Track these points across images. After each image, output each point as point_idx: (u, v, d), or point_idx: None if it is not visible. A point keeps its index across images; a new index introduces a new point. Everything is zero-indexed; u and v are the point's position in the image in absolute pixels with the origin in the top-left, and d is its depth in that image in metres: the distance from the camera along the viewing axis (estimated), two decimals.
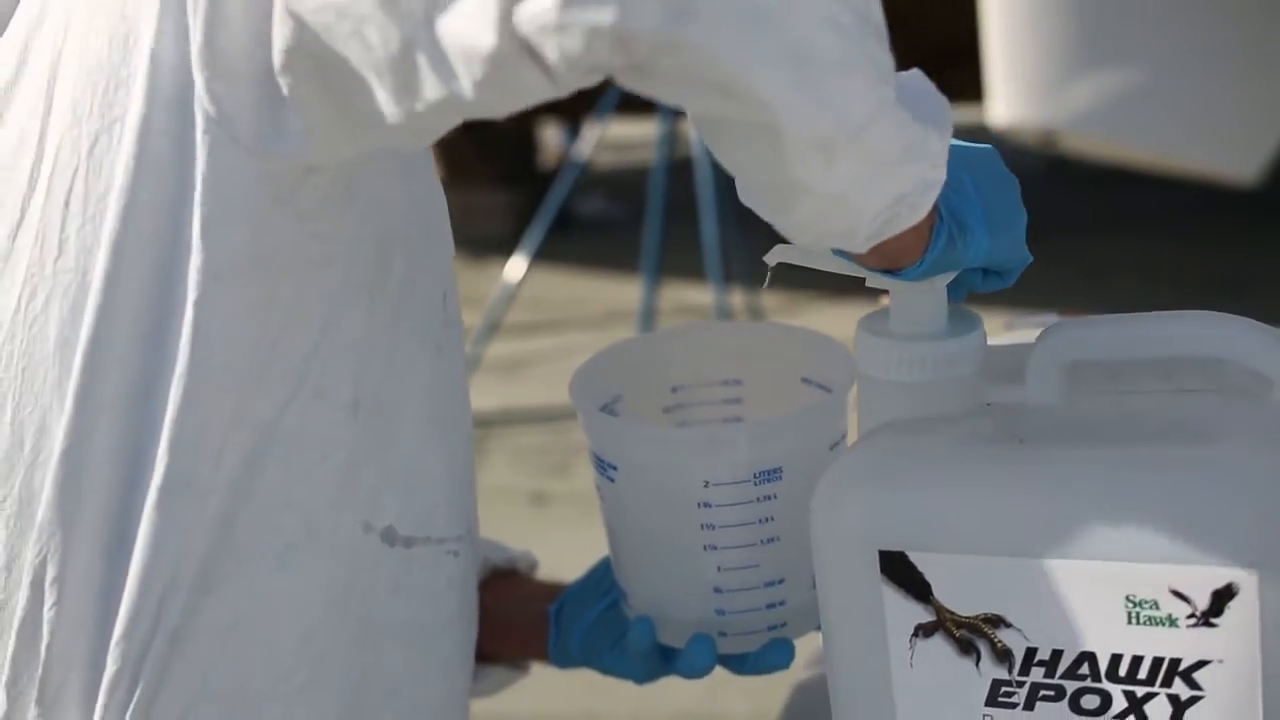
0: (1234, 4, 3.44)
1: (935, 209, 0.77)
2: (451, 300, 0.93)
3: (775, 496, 0.93)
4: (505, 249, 4.21)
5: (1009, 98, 3.60)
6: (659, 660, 0.98)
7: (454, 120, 0.71)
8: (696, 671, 0.96)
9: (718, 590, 0.95)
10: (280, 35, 0.72)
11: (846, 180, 0.71)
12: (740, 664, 0.98)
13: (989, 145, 0.83)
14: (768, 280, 0.86)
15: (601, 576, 1.04)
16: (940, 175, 0.74)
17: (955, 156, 0.78)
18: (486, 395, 3.85)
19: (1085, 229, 5.19)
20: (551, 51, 0.64)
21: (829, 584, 0.82)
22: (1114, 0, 3.54)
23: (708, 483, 0.92)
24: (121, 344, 0.81)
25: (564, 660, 1.06)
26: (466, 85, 0.66)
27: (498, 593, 1.07)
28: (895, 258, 0.79)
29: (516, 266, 3.92)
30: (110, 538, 0.82)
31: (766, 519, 0.93)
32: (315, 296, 0.83)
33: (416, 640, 0.92)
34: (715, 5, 0.63)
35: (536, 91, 0.66)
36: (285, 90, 0.75)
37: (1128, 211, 5.29)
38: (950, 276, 0.82)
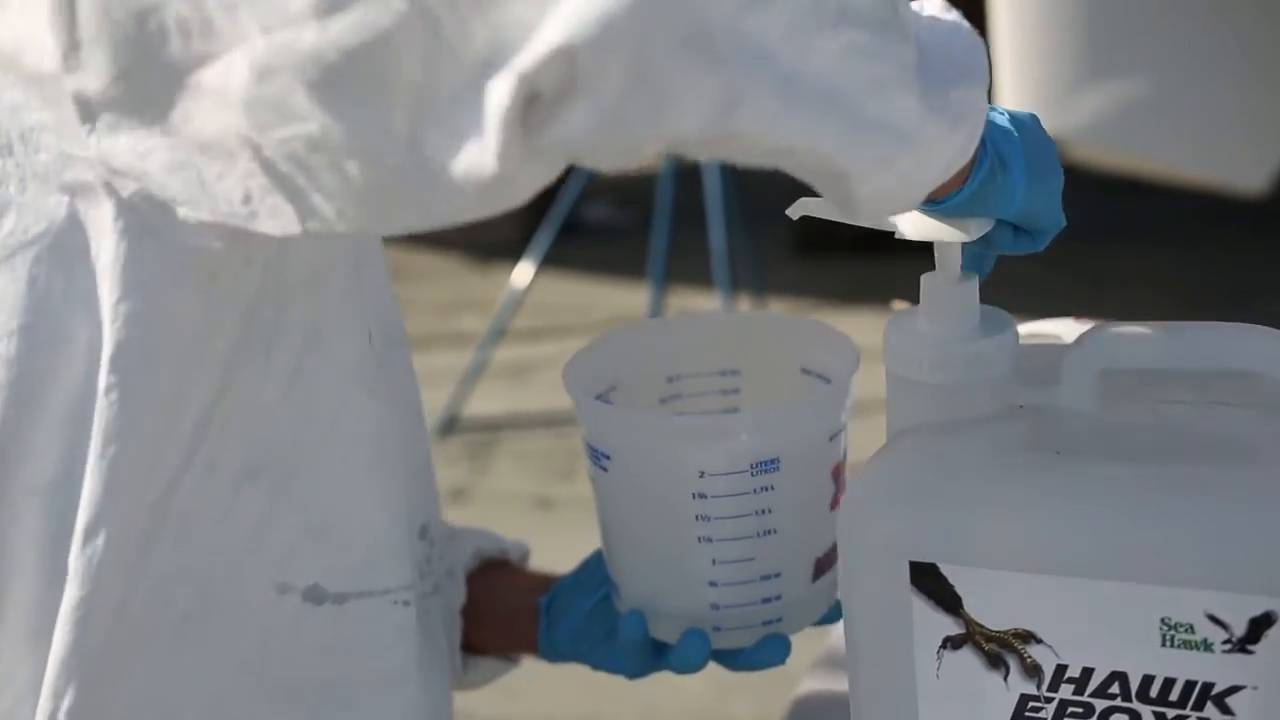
0: (1242, 15, 3.43)
1: (980, 141, 0.77)
2: (380, 337, 0.90)
3: (773, 488, 0.91)
4: (512, 255, 4.21)
5: (1016, 106, 3.60)
6: (650, 655, 0.96)
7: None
8: (689, 667, 0.94)
9: (712, 584, 0.93)
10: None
11: (908, 171, 0.70)
12: (733, 660, 0.96)
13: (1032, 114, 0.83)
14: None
15: (595, 569, 1.03)
16: (984, 107, 0.74)
17: (1002, 112, 0.79)
18: (493, 400, 3.84)
19: (1093, 237, 5.18)
20: (592, 163, 0.62)
21: (857, 591, 0.81)
22: (1121, 10, 3.54)
23: (703, 472, 0.91)
24: (40, 433, 0.79)
25: (553, 654, 1.04)
26: (461, 206, 0.64)
27: (488, 583, 1.05)
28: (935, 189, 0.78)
29: (523, 272, 3.91)
30: (35, 632, 0.81)
31: (763, 511, 0.92)
32: (206, 365, 0.80)
33: (360, 697, 0.90)
34: (752, 87, 0.62)
35: (541, 185, 0.64)
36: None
37: (1136, 220, 5.28)
38: (987, 226, 0.81)
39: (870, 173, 0.68)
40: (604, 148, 0.62)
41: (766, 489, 0.91)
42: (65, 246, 0.78)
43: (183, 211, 0.73)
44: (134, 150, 0.72)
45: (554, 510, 3.29)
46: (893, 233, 0.82)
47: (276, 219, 0.70)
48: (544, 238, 3.88)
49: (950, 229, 0.81)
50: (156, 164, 0.72)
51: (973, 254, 0.86)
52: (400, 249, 5.21)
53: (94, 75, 0.71)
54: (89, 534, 0.79)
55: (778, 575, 0.94)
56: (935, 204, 0.80)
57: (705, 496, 0.91)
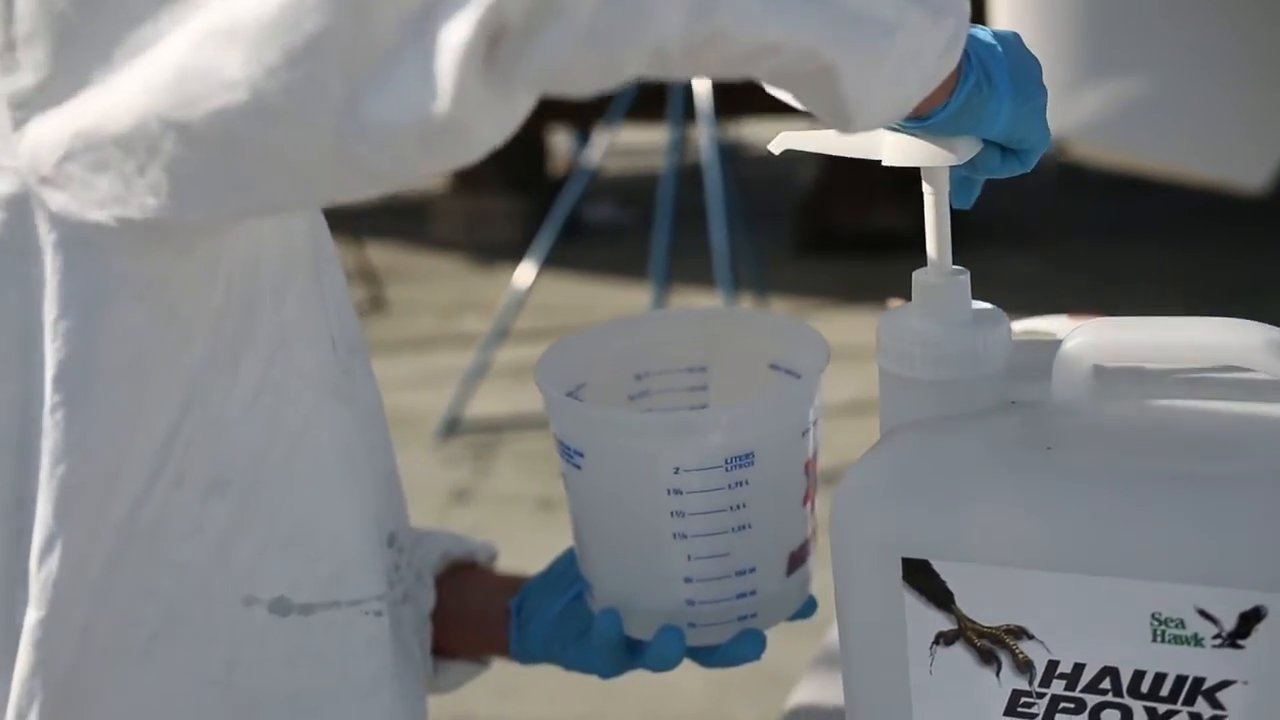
0: (1242, 13, 3.44)
1: (964, 54, 0.76)
2: (343, 343, 0.88)
3: (747, 483, 0.91)
4: (514, 255, 4.22)
5: None
6: (625, 653, 0.95)
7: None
8: (665, 664, 0.93)
9: (687, 580, 0.93)
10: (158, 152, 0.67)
11: (896, 70, 0.70)
12: (709, 656, 0.95)
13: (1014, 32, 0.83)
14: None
15: (565, 569, 1.02)
16: (966, 6, 0.73)
17: (986, 29, 0.78)
18: (495, 401, 3.85)
19: (1096, 235, 5.19)
20: (569, 90, 0.60)
21: (849, 588, 0.81)
22: (1121, 10, 3.54)
23: (679, 468, 0.90)
24: None
25: (525, 656, 1.03)
26: (408, 165, 0.62)
27: (457, 585, 1.04)
28: (922, 103, 0.77)
29: (526, 273, 3.92)
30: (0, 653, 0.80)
31: (738, 506, 0.91)
32: (170, 379, 0.79)
33: (333, 708, 0.88)
34: None
35: (500, 134, 0.62)
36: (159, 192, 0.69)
37: (1138, 218, 5.28)
38: (975, 147, 0.80)
39: (858, 67, 0.67)
40: (582, 71, 0.60)
41: (741, 484, 0.91)
42: None
43: (112, 213, 0.71)
44: (60, 150, 0.70)
45: (555, 511, 3.30)
46: (880, 159, 0.81)
47: (210, 205, 0.68)
48: (546, 238, 3.88)
49: (938, 151, 0.80)
50: (82, 164, 0.70)
51: (960, 179, 0.85)
52: (402, 251, 5.22)
53: (30, 73, 0.70)
54: (44, 554, 0.78)
55: (752, 570, 0.93)
56: (922, 120, 0.79)
57: (680, 492, 0.91)
